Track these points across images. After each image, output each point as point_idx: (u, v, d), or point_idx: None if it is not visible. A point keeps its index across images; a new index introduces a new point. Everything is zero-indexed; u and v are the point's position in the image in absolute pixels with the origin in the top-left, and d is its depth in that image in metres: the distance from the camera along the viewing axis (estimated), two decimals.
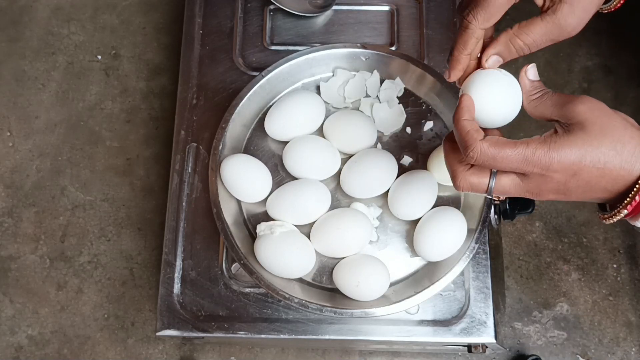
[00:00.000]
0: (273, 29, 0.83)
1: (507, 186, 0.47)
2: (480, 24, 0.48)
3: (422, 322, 0.70)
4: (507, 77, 0.49)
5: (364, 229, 0.69)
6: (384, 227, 0.72)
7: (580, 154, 0.44)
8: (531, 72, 0.48)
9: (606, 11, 0.53)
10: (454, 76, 0.51)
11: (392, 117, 0.75)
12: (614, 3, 0.52)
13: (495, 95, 0.49)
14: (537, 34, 0.48)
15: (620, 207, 0.45)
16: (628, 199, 0.44)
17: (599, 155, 0.43)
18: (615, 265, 1.11)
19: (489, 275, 0.71)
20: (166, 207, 0.74)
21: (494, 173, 0.47)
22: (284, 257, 0.67)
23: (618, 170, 0.44)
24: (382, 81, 0.77)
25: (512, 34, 0.49)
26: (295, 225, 0.70)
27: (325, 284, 0.70)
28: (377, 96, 0.76)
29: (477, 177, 0.48)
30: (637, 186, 0.44)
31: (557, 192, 0.46)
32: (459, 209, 0.71)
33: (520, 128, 1.12)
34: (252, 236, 0.71)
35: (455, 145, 0.49)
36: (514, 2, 0.48)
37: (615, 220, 0.47)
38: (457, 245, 0.68)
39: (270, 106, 0.75)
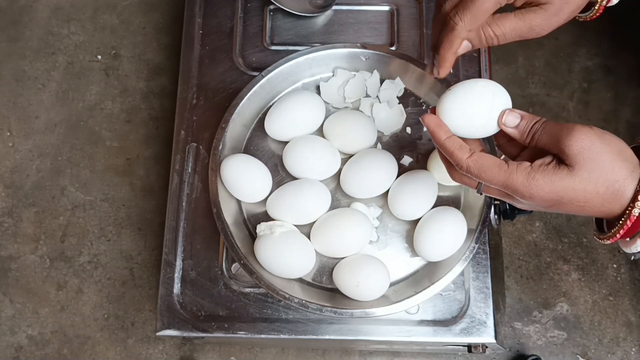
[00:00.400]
0: (273, 29, 0.83)
1: (494, 193, 0.50)
2: (466, 25, 0.49)
3: (422, 322, 0.70)
4: (485, 87, 0.50)
5: (364, 229, 0.69)
6: (384, 227, 0.72)
7: (561, 194, 0.45)
8: (509, 119, 0.49)
9: (582, 19, 0.55)
10: (443, 73, 0.53)
11: (392, 117, 0.75)
12: (591, 14, 0.53)
13: (470, 109, 0.49)
14: (507, 27, 0.50)
15: (609, 234, 0.48)
16: (611, 232, 0.47)
17: (580, 195, 0.45)
18: (615, 265, 1.11)
19: (489, 275, 0.71)
20: (166, 207, 0.74)
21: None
22: (284, 257, 0.67)
23: (599, 208, 0.46)
24: (382, 81, 0.77)
25: (484, 23, 0.50)
26: (295, 225, 0.70)
27: (325, 284, 0.70)
28: (377, 96, 0.76)
29: (468, 179, 0.51)
30: (621, 220, 0.46)
31: (540, 209, 0.49)
32: (459, 209, 0.71)
33: None
34: (252, 236, 0.71)
35: None
36: (499, 6, 0.49)
37: (609, 242, 0.49)
38: (457, 245, 0.68)
39: (270, 106, 0.75)
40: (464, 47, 0.52)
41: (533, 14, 0.49)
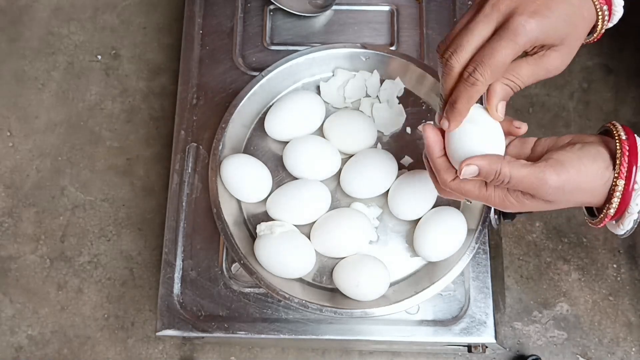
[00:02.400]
0: (273, 29, 0.83)
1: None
2: (487, 81, 0.47)
3: (422, 322, 0.70)
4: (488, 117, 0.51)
5: (364, 229, 0.69)
6: (384, 227, 0.72)
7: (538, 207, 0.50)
8: (467, 172, 0.49)
9: (585, 42, 0.54)
10: (453, 127, 0.50)
11: (392, 117, 0.75)
12: (595, 35, 0.53)
13: (474, 137, 0.50)
14: (524, 75, 0.49)
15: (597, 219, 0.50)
16: (599, 218, 0.50)
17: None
18: (615, 265, 1.11)
19: (489, 275, 0.71)
20: (166, 207, 0.74)
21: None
22: (284, 257, 0.67)
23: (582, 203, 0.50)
24: (382, 81, 0.77)
25: (504, 79, 0.50)
26: (295, 225, 0.70)
27: (325, 284, 0.70)
28: (377, 96, 0.76)
29: (453, 195, 0.53)
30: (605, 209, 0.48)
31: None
32: (459, 209, 0.71)
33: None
34: (252, 236, 0.71)
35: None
36: (517, 55, 0.48)
37: (601, 225, 0.50)
38: (457, 245, 0.68)
39: (270, 106, 0.75)
40: (502, 108, 0.51)
41: (547, 57, 0.49)
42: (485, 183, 0.50)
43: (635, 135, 0.48)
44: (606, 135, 0.50)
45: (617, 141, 0.48)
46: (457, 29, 0.49)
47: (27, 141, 1.19)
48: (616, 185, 0.47)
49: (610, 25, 0.52)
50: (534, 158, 0.51)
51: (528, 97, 1.19)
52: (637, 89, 1.18)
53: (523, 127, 0.52)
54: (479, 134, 0.50)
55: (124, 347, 1.08)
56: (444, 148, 0.51)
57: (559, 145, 0.50)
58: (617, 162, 0.47)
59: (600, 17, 0.50)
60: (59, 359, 1.08)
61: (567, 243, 1.12)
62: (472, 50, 0.47)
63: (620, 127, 0.49)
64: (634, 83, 1.18)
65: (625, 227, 0.49)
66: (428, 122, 0.52)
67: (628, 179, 0.46)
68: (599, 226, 0.50)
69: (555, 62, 0.49)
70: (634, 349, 1.06)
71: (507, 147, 0.53)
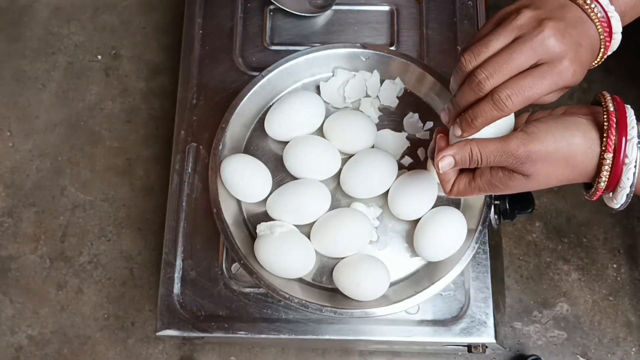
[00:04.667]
0: (273, 29, 0.83)
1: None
2: (515, 109, 0.48)
3: (422, 322, 0.70)
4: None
5: (364, 229, 0.69)
6: (384, 227, 0.72)
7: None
8: (443, 165, 0.51)
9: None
10: (465, 136, 0.51)
11: (395, 144, 0.75)
12: (597, 60, 0.53)
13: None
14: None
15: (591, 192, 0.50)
16: (592, 191, 0.50)
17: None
18: (615, 265, 1.11)
19: (489, 275, 0.71)
20: (166, 207, 0.74)
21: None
22: (284, 257, 0.67)
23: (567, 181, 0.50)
24: (382, 81, 0.77)
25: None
26: (295, 225, 0.70)
27: (325, 284, 0.70)
28: (377, 96, 0.76)
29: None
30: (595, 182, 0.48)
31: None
32: (459, 209, 0.71)
33: None
34: (252, 236, 0.71)
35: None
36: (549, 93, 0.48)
37: (596, 197, 0.50)
38: (457, 245, 0.68)
39: (270, 106, 0.75)
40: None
41: (553, 94, 0.50)
42: (472, 176, 0.51)
43: (627, 106, 0.48)
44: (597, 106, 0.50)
45: (604, 113, 0.47)
46: (492, 48, 0.48)
47: (27, 141, 1.19)
48: (604, 159, 0.46)
49: (610, 52, 0.53)
50: None
51: None
52: (637, 89, 1.18)
53: None
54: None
55: (124, 347, 1.08)
56: (452, 157, 0.52)
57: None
58: (605, 134, 0.46)
59: (597, 59, 0.51)
60: (59, 359, 1.08)
61: (567, 243, 1.12)
62: (508, 76, 0.47)
63: (609, 98, 0.48)
64: (634, 83, 1.18)
65: (619, 201, 0.48)
66: (439, 129, 0.53)
67: (617, 152, 0.46)
68: (594, 199, 0.50)
69: (557, 97, 0.50)
70: (634, 349, 1.06)
71: None
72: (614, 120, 0.46)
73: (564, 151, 0.47)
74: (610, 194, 0.49)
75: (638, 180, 0.47)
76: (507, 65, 0.46)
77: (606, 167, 0.46)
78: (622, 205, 0.49)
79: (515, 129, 0.52)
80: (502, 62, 0.47)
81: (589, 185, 0.51)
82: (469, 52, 0.48)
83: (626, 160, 0.46)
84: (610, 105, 0.47)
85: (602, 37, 0.49)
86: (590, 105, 0.51)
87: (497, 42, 0.48)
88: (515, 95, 0.46)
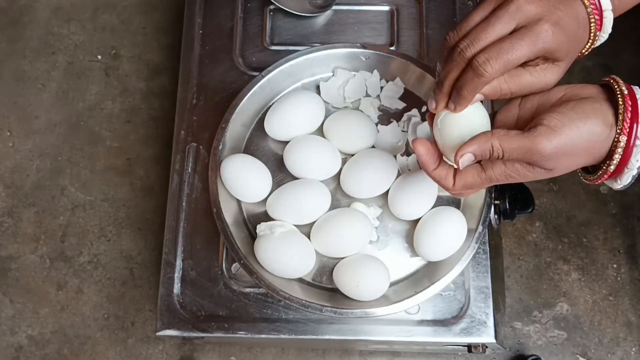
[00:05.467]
0: (273, 29, 0.83)
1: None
2: (496, 74, 0.47)
3: (422, 322, 0.70)
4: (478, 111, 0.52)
5: (364, 229, 0.69)
6: (384, 227, 0.72)
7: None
8: (464, 161, 0.50)
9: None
10: (460, 110, 0.51)
11: (394, 143, 0.75)
12: (590, 39, 0.52)
13: (462, 126, 0.51)
14: (524, 84, 0.50)
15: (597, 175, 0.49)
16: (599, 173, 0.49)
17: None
18: (615, 265, 1.11)
19: (489, 275, 0.71)
20: (166, 207, 0.74)
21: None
22: (284, 257, 0.67)
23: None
24: (381, 81, 0.77)
25: (502, 78, 0.50)
26: (295, 225, 0.70)
27: (325, 284, 0.70)
28: (378, 96, 0.76)
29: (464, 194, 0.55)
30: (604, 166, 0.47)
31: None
32: (459, 209, 0.71)
33: None
34: (252, 236, 0.71)
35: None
36: (530, 58, 0.48)
37: (599, 181, 0.50)
38: (457, 245, 0.68)
39: (270, 106, 0.75)
40: (478, 97, 0.51)
41: (549, 72, 0.49)
42: (482, 167, 0.50)
43: (634, 88, 0.48)
44: (605, 88, 0.49)
45: (619, 96, 0.47)
46: (473, 21, 0.49)
47: (27, 141, 1.19)
48: (618, 141, 0.46)
49: (598, 43, 0.52)
50: (525, 116, 0.51)
51: None
52: None
53: None
54: (465, 122, 0.51)
55: (124, 347, 1.08)
56: (437, 156, 0.52)
57: (551, 102, 0.50)
58: (620, 117, 0.46)
59: (591, 37, 0.51)
60: (59, 359, 1.08)
61: (567, 243, 1.12)
62: (488, 43, 0.47)
63: (621, 82, 0.48)
64: (634, 83, 1.18)
65: (623, 182, 0.48)
66: (416, 138, 0.53)
67: (629, 135, 0.46)
68: (597, 182, 0.50)
69: (553, 77, 0.50)
70: (634, 349, 1.06)
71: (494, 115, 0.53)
72: (629, 103, 0.46)
73: (587, 143, 0.47)
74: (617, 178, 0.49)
75: None
76: (486, 33, 0.47)
77: (619, 150, 0.46)
78: (625, 186, 0.49)
79: (513, 114, 0.52)
80: (480, 31, 0.47)
81: (592, 168, 0.50)
82: (452, 31, 0.50)
83: (637, 142, 0.46)
84: (624, 88, 0.47)
85: (589, 9, 0.49)
86: (597, 85, 0.50)
87: (478, 15, 0.49)
88: (493, 59, 0.46)
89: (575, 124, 0.46)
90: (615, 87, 0.48)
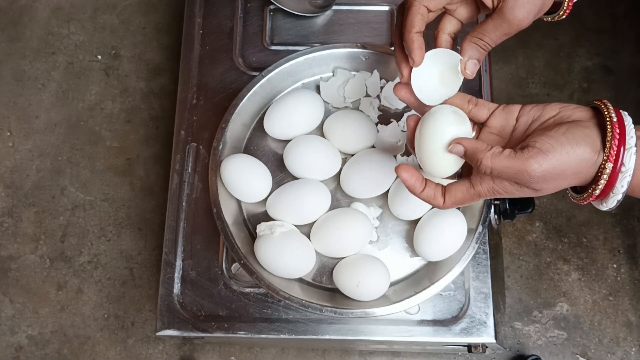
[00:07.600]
0: (273, 29, 0.83)
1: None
2: (423, 1, 0.52)
3: (422, 322, 0.70)
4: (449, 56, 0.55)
5: (364, 229, 0.69)
6: (384, 227, 0.72)
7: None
8: (457, 150, 0.51)
9: (550, 20, 0.55)
10: (417, 57, 0.55)
11: (393, 142, 0.75)
12: (560, 13, 0.54)
13: (434, 74, 0.55)
14: (489, 31, 0.52)
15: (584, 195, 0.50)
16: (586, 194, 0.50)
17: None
18: (615, 265, 1.11)
19: (489, 275, 0.71)
20: (166, 207, 0.74)
21: None
22: (284, 257, 0.67)
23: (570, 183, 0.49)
24: (382, 82, 0.77)
25: (472, 38, 0.53)
26: (295, 225, 0.70)
27: (325, 284, 0.70)
28: (378, 96, 0.76)
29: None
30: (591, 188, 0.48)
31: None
32: (459, 209, 0.71)
33: None
34: (252, 236, 0.71)
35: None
36: None
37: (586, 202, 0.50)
38: (457, 245, 0.68)
39: (270, 106, 0.75)
40: (472, 66, 0.53)
41: (506, 7, 0.51)
42: (471, 183, 0.51)
43: (622, 113, 0.48)
44: (596, 111, 0.50)
45: (608, 123, 0.47)
46: None
47: (27, 141, 1.19)
48: (604, 167, 0.47)
49: None
50: (519, 134, 0.52)
51: (528, 97, 1.19)
52: (637, 89, 1.18)
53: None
54: (449, 131, 0.52)
55: (124, 347, 1.08)
56: (421, 178, 0.53)
57: (544, 123, 0.50)
58: (608, 145, 0.47)
59: None
60: (59, 359, 1.08)
61: (567, 243, 1.12)
62: None
63: (611, 107, 0.48)
64: (634, 83, 1.18)
65: (608, 205, 0.49)
66: (398, 165, 0.54)
67: (615, 162, 0.46)
68: (584, 203, 0.50)
69: (517, 13, 0.51)
70: (634, 349, 1.06)
71: (491, 118, 0.53)
72: (617, 131, 0.47)
73: (575, 167, 0.47)
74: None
75: (630, 186, 0.47)
76: None
77: (605, 176, 0.47)
78: (610, 209, 0.50)
79: (509, 126, 0.53)
80: None
81: (579, 189, 0.51)
82: None
83: (622, 169, 0.47)
84: (614, 115, 0.47)
85: None
86: (589, 108, 0.51)
87: None
88: None
89: (566, 149, 0.47)
90: (606, 113, 0.48)
